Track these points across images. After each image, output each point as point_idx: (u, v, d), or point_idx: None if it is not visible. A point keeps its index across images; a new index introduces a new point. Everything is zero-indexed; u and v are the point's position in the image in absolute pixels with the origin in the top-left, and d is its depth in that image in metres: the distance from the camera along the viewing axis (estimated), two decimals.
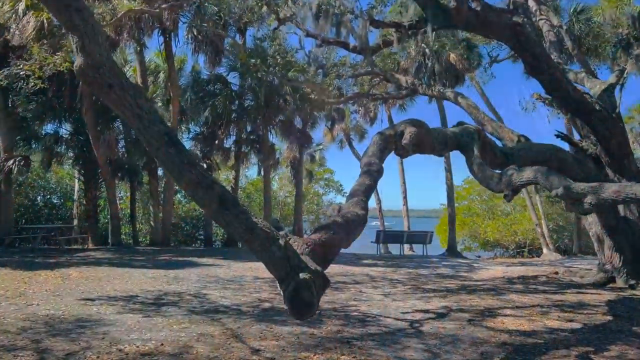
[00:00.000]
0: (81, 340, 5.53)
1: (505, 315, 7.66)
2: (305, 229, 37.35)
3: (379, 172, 5.50)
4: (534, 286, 10.91)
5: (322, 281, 3.20)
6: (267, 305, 7.95)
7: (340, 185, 38.22)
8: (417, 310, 7.96)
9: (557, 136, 11.92)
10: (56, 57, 12.90)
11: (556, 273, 12.93)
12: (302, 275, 2.97)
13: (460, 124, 8.16)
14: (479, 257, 33.08)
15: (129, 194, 22.84)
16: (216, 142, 18.92)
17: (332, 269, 13.08)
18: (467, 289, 10.40)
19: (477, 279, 12.23)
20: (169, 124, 18.15)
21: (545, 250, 27.43)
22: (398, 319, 7.30)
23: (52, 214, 26.05)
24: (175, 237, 24.32)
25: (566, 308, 8.35)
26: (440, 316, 7.57)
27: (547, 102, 13.00)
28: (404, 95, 16.41)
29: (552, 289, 10.59)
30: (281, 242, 3.13)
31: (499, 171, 6.99)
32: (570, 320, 7.37)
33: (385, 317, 7.43)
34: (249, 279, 10.94)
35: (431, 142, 6.72)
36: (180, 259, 14.45)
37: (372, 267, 14.07)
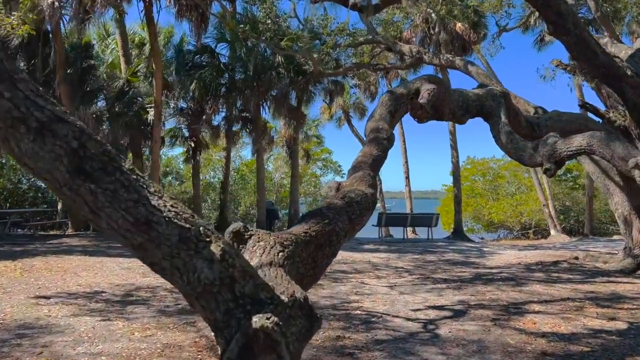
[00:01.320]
0: (11, 357, 4.35)
1: (535, 313, 6.50)
2: (302, 212, 36.32)
3: (390, 141, 4.26)
4: (556, 274, 9.77)
5: (305, 322, 1.79)
6: None
7: (339, 165, 36.86)
8: (429, 307, 6.80)
9: (582, 106, 10.68)
10: (12, 17, 11.29)
11: (576, 258, 11.81)
12: (258, 320, 1.51)
13: (481, 86, 6.90)
14: (482, 238, 32.12)
15: None
16: (204, 118, 17.48)
17: None
18: (483, 278, 9.25)
19: (490, 265, 11.09)
20: (151, 98, 16.84)
21: (552, 232, 26.37)
22: (409, 319, 6.13)
23: (37, 198, 24.81)
24: None
25: (601, 302, 7.20)
26: (458, 314, 6.41)
27: (568, 68, 11.68)
28: (408, 65, 15.02)
29: (577, 277, 9.45)
30: (215, 247, 1.56)
31: (532, 142, 5.74)
32: (612, 319, 6.21)
33: (393, 316, 6.26)
34: None
35: (451, 105, 5.46)
36: None
37: (374, 253, 12.92)
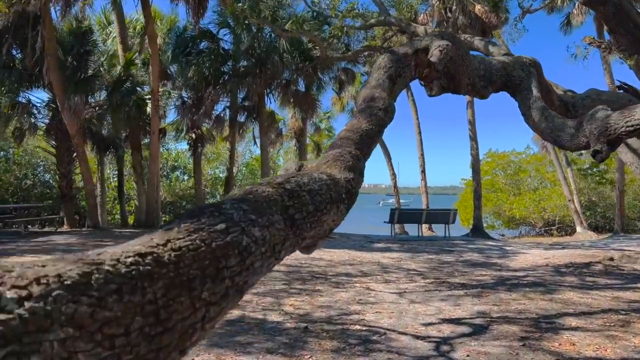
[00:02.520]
0: None
1: (572, 329, 5.37)
2: None
3: (387, 112, 3.18)
4: (591, 278, 8.57)
5: None
6: (233, 315, 5.75)
7: None
8: (444, 320, 5.72)
9: (620, 87, 9.39)
10: None
11: (611, 259, 10.55)
12: None
13: (507, 55, 5.77)
14: (503, 235, 30.68)
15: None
16: (204, 108, 16.46)
17: (335, 256, 10.88)
18: (507, 283, 8.10)
19: (514, 267, 9.91)
20: (147, 88, 15.90)
21: (579, 229, 24.93)
22: (418, 336, 5.07)
23: (44, 194, 24.33)
24: (170, 216, 22.40)
25: None
26: (478, 330, 5.32)
27: (602, 46, 10.41)
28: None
29: (616, 282, 8.24)
30: None
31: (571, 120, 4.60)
32: None
33: (399, 332, 5.21)
34: None
35: (470, 74, 4.37)
36: None
37: (384, 253, 11.84)
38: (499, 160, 32.67)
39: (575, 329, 5.39)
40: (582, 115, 5.94)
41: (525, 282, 8.18)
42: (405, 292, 7.33)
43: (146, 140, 17.03)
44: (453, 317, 5.88)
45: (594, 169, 31.14)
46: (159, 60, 14.94)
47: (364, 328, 5.34)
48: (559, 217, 28.81)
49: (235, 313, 5.76)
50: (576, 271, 9.27)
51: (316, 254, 11.20)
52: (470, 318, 5.84)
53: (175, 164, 29.24)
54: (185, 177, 27.72)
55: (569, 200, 25.31)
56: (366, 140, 2.78)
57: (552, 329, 5.36)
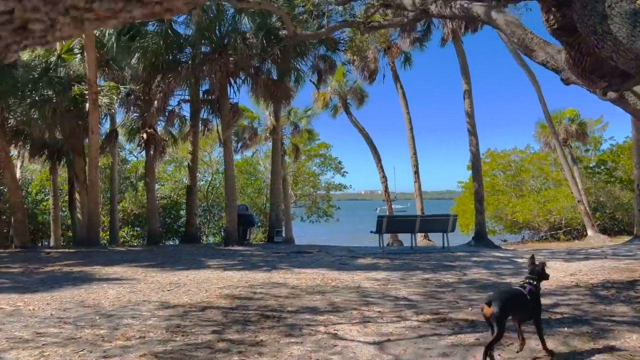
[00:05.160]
0: None
1: None
2: (297, 216, 32.60)
3: None
4: None
5: None
6: None
7: (340, 162, 32.74)
8: None
9: None
10: None
11: None
12: None
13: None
14: (505, 241, 28.39)
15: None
16: (156, 104, 13.99)
17: (304, 279, 8.51)
18: None
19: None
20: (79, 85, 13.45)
21: (590, 232, 22.62)
22: None
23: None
24: (136, 231, 20.00)
25: None
26: None
27: None
28: (411, 20, 11.57)
29: None
30: None
31: None
32: None
33: None
34: (146, 309, 6.39)
35: None
36: (81, 269, 9.84)
37: (369, 272, 9.46)
38: (499, 160, 30.42)
39: None
40: None
41: (560, 316, 5.82)
42: (389, 340, 4.97)
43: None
44: None
45: (601, 167, 28.96)
46: (98, 46, 12.61)
47: None
48: (566, 219, 26.54)
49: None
50: (621, 295, 6.92)
51: (280, 276, 8.82)
52: None
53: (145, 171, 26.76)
54: (157, 186, 25.26)
55: (578, 201, 23.05)
56: None
57: None
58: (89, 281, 8.24)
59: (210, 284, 8.00)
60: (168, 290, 7.44)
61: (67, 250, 13.16)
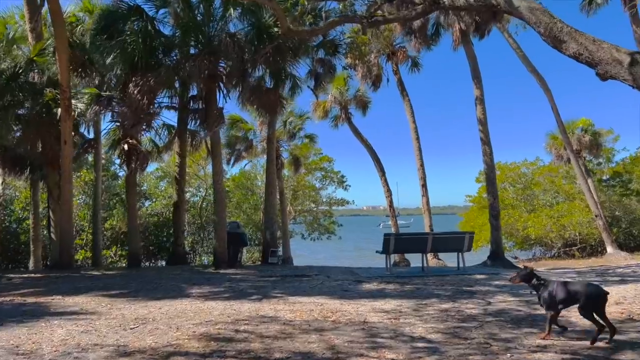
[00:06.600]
0: None
1: None
2: (297, 233, 31.09)
3: None
4: None
5: None
6: None
7: (342, 176, 31.10)
8: None
9: None
10: None
11: None
12: None
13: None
14: (516, 258, 26.89)
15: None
16: (136, 109, 12.62)
17: (299, 310, 7.09)
18: None
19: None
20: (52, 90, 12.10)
21: (610, 249, 21.17)
22: None
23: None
24: (124, 251, 18.58)
25: None
26: None
27: None
28: (419, 14, 10.34)
29: None
30: None
31: None
32: None
33: None
34: (94, 357, 5.00)
35: None
36: (37, 300, 8.33)
37: (375, 301, 8.06)
38: (509, 173, 29.06)
39: None
40: None
41: None
42: None
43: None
44: None
45: (617, 179, 27.58)
46: (73, 47, 11.39)
47: None
48: (581, 235, 25.07)
49: None
50: None
51: (271, 307, 7.42)
52: None
53: (142, 188, 25.47)
54: (146, 203, 23.92)
55: (596, 216, 21.63)
56: None
57: None
58: (39, 316, 6.85)
59: (184, 318, 6.62)
60: (131, 329, 6.05)
61: (33, 275, 11.78)
